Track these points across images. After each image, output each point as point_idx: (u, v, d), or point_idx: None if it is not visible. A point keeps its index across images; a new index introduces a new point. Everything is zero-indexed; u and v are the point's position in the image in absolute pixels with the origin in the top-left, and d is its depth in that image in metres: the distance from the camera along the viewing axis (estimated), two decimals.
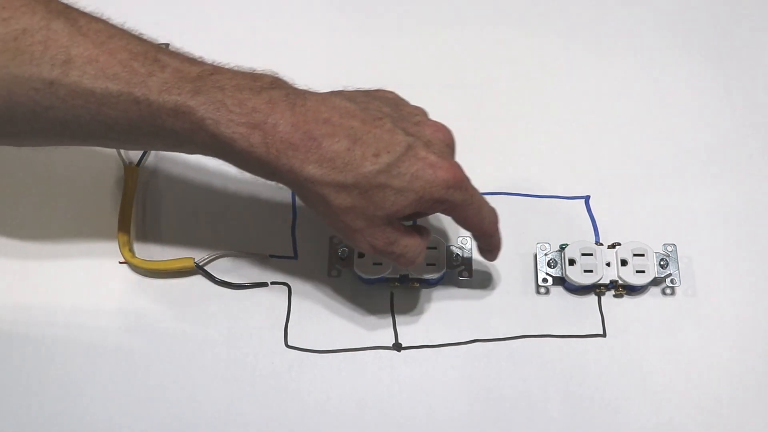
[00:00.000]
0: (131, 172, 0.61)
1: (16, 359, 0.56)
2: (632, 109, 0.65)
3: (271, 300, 0.57)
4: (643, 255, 0.56)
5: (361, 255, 0.56)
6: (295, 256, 0.59)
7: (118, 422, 0.54)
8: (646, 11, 0.69)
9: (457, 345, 0.56)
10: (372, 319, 0.57)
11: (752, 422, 0.53)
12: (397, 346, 0.56)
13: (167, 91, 0.44)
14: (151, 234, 0.60)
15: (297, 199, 0.61)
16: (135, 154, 0.62)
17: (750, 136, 0.63)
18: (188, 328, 0.57)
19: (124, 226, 0.58)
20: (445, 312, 0.57)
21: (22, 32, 0.44)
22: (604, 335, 0.56)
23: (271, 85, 0.46)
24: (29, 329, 0.57)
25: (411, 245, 0.48)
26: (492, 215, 0.50)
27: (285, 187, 0.60)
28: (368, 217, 0.46)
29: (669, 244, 0.57)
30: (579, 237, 0.58)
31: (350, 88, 0.50)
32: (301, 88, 0.48)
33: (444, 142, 0.48)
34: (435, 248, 0.56)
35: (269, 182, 0.61)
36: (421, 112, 0.50)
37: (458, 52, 0.67)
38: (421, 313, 0.57)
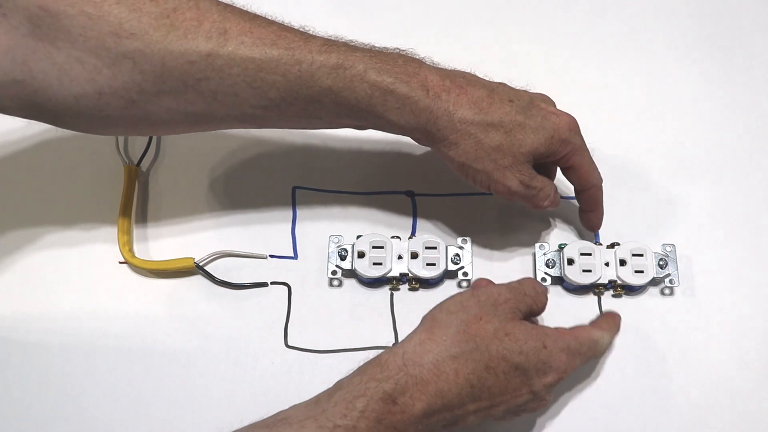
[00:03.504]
0: (131, 172, 0.61)
1: (17, 359, 0.56)
2: (632, 108, 0.65)
3: (271, 300, 0.58)
4: (642, 255, 0.56)
5: (361, 255, 0.56)
6: (295, 256, 0.59)
7: (117, 422, 0.54)
8: (646, 12, 0.69)
9: None
10: (372, 319, 0.57)
11: (752, 422, 0.54)
12: None
13: (327, 51, 0.48)
14: (151, 234, 0.60)
15: (297, 199, 0.61)
16: (135, 154, 0.62)
17: (750, 136, 0.63)
18: (188, 328, 0.57)
19: (124, 226, 0.59)
20: None
21: (173, 10, 0.47)
22: None
23: (405, 55, 0.51)
24: (29, 329, 0.57)
25: (546, 182, 0.54)
26: (599, 176, 0.56)
27: (284, 188, 0.60)
28: (514, 155, 0.51)
29: (668, 245, 0.57)
30: (578, 237, 0.58)
31: None
32: None
33: (553, 104, 0.55)
34: (435, 248, 0.56)
35: (269, 183, 0.61)
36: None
37: (458, 52, 0.67)
38: (421, 313, 0.57)
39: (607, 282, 0.56)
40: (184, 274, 0.58)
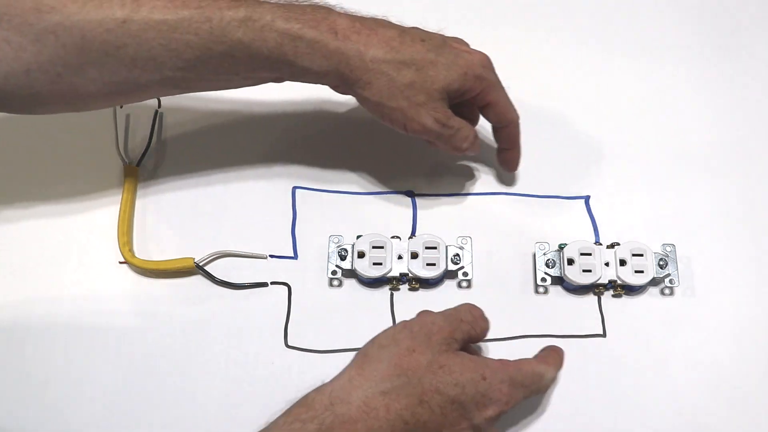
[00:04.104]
0: (131, 172, 0.61)
1: (17, 359, 0.56)
2: (632, 109, 0.65)
3: (271, 300, 0.58)
4: (641, 255, 0.56)
5: (361, 255, 0.56)
6: (295, 256, 0.59)
7: (117, 422, 0.54)
8: (646, 11, 0.69)
9: None
10: (372, 319, 0.57)
11: (752, 422, 0.54)
12: None
13: (235, 6, 0.49)
14: (151, 234, 0.60)
15: (297, 199, 0.61)
16: (135, 155, 0.62)
17: (750, 136, 0.63)
18: (188, 328, 0.57)
19: (124, 226, 0.59)
20: None
21: None
22: (604, 335, 0.56)
23: (314, 4, 0.52)
24: (29, 329, 0.57)
25: (464, 124, 0.54)
26: (516, 112, 0.57)
27: (284, 188, 0.60)
28: (427, 92, 0.51)
29: (668, 245, 0.57)
30: (578, 237, 0.58)
31: None
32: None
33: (467, 45, 0.56)
34: (435, 248, 0.56)
35: (269, 183, 0.61)
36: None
37: None
38: None
39: (607, 282, 0.56)
40: (184, 274, 0.58)
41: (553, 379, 0.51)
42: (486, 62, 0.54)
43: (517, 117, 0.57)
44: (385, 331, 0.49)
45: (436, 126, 0.53)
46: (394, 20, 0.54)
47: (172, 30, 0.49)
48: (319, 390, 0.46)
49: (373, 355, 0.47)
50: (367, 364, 0.46)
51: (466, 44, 0.56)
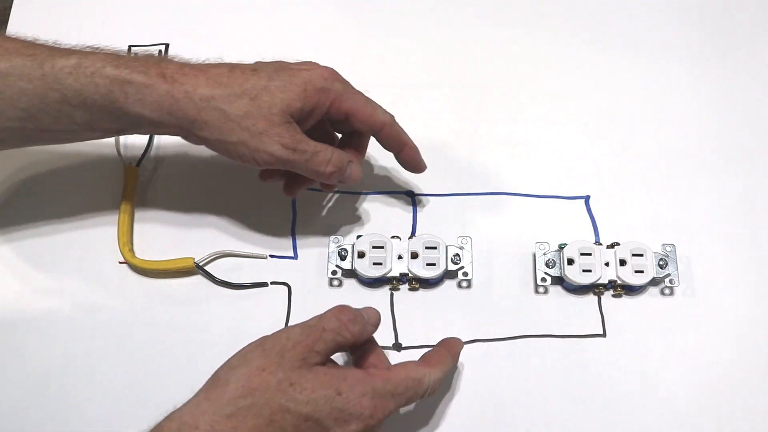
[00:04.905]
0: (131, 172, 0.61)
1: (16, 359, 0.56)
2: (632, 109, 0.65)
3: (271, 300, 0.58)
4: (641, 255, 0.56)
5: (361, 255, 0.56)
6: (295, 256, 0.59)
7: (117, 422, 0.54)
8: (646, 11, 0.69)
9: None
10: None
11: (752, 422, 0.54)
12: (397, 346, 0.56)
13: (68, 54, 0.49)
14: (151, 234, 0.60)
15: (297, 199, 0.61)
16: (135, 154, 0.62)
17: (750, 136, 0.63)
18: (188, 328, 0.57)
19: (124, 226, 0.59)
20: (444, 312, 0.57)
21: None
22: (604, 335, 0.56)
23: (147, 54, 0.52)
24: (29, 329, 0.57)
25: (321, 146, 0.52)
26: (386, 113, 0.54)
27: (282, 187, 0.60)
28: (266, 118, 0.49)
29: (668, 245, 0.57)
30: (578, 237, 0.58)
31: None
32: None
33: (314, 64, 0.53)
34: (435, 248, 0.56)
35: (269, 183, 0.61)
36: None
37: (458, 52, 0.67)
38: (421, 313, 0.57)
39: (607, 282, 0.56)
40: (184, 274, 0.58)
41: (438, 380, 0.49)
42: (328, 74, 0.52)
43: (388, 118, 0.54)
44: (239, 351, 0.47)
45: (286, 152, 0.50)
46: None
47: (4, 77, 0.48)
48: (169, 417, 0.44)
49: (222, 377, 0.45)
50: (214, 388, 0.44)
51: (314, 64, 0.53)
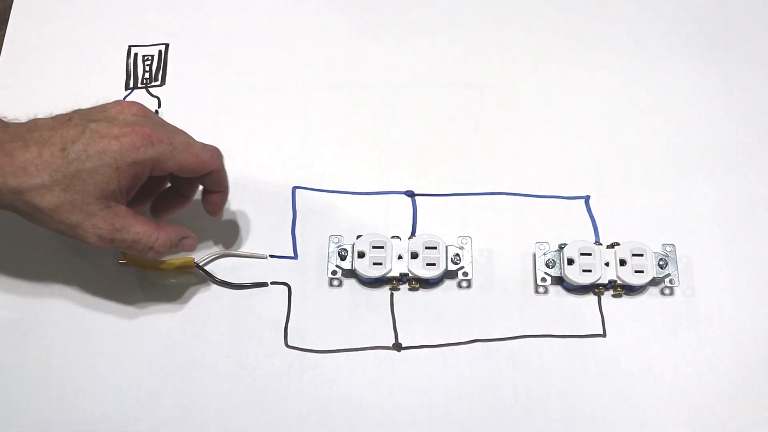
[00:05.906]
0: None
1: (16, 359, 0.56)
2: (632, 109, 0.65)
3: (271, 300, 0.58)
4: (641, 255, 0.56)
5: (361, 255, 0.56)
6: (295, 256, 0.59)
7: (118, 422, 0.54)
8: (646, 12, 0.69)
9: (457, 345, 0.56)
10: (372, 319, 0.57)
11: (751, 422, 0.54)
12: (397, 346, 0.56)
13: None
14: None
15: (297, 199, 0.61)
16: None
17: (750, 136, 0.63)
18: (188, 328, 0.57)
19: None
20: (444, 312, 0.57)
21: None
22: (604, 335, 0.56)
23: None
24: (29, 329, 0.57)
25: (144, 231, 0.49)
26: (209, 151, 0.51)
27: (284, 188, 0.60)
28: (81, 208, 0.47)
29: (668, 244, 0.57)
30: (578, 237, 0.58)
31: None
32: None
33: (131, 112, 0.49)
34: (435, 248, 0.56)
35: (269, 183, 0.61)
36: (116, 103, 0.50)
37: (458, 52, 0.67)
38: (421, 313, 0.57)
39: (607, 282, 0.56)
40: (184, 274, 0.58)
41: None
42: (140, 141, 0.47)
43: (216, 163, 0.52)
44: None
45: (103, 242, 0.48)
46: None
47: None
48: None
49: None
50: None
51: (126, 121, 0.48)
